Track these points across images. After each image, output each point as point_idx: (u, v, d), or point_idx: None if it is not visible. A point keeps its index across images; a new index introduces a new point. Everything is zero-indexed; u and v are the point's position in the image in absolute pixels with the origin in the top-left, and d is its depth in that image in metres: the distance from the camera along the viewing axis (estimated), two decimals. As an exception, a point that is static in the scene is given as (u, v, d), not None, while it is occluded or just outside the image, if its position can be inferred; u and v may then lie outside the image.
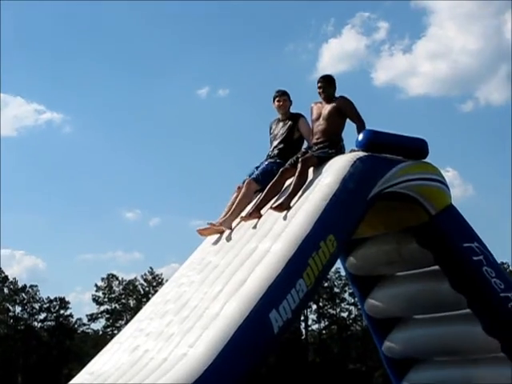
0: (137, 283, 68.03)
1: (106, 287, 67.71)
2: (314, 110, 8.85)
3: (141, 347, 7.60)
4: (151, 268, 68.53)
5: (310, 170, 8.51)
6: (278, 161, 8.89)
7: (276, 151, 9.04)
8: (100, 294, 67.52)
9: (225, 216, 8.81)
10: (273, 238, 7.94)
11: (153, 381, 6.86)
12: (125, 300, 67.96)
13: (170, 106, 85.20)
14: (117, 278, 68.08)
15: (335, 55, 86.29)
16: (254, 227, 8.34)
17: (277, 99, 9.17)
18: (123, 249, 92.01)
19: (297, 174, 8.36)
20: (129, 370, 7.30)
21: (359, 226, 8.27)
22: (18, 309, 66.09)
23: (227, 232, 8.70)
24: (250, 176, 8.97)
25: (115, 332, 67.40)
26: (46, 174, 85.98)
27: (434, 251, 8.83)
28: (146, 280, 67.94)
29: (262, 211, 8.43)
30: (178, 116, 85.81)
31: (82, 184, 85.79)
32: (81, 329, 69.12)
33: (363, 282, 9.75)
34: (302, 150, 8.81)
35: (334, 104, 8.67)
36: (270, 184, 8.56)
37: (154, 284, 67.90)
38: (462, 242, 8.74)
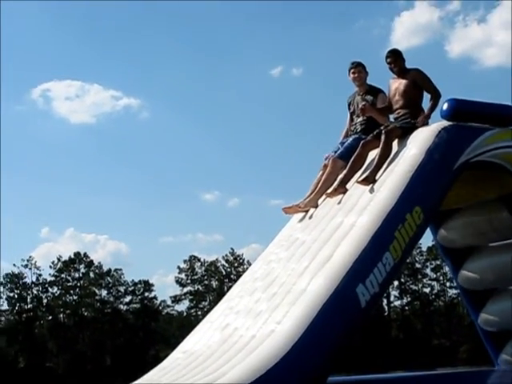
0: (218, 264, 68.72)
1: (188, 269, 68.56)
2: (391, 86, 8.74)
3: (230, 325, 7.63)
4: (232, 249, 69.19)
5: (395, 142, 8.38)
6: (362, 136, 8.75)
7: (359, 126, 8.93)
8: (183, 275, 68.45)
9: (310, 194, 8.75)
10: (358, 211, 7.86)
11: (242, 358, 6.88)
12: (207, 281, 68.71)
13: (244, 86, 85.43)
14: (199, 260, 68.91)
15: (408, 29, 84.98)
16: (340, 202, 8.27)
17: (352, 71, 9.05)
18: (203, 231, 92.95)
19: (381, 146, 8.25)
20: (219, 348, 7.35)
21: (447, 196, 8.10)
22: (104, 292, 67.64)
23: (313, 209, 8.64)
24: (335, 152, 8.86)
25: (199, 313, 68.29)
26: (126, 158, 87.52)
27: (525, 219, 8.64)
28: (227, 261, 68.56)
29: (347, 186, 8.34)
30: (254, 96, 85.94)
31: (161, 168, 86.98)
32: (165, 310, 70.36)
33: (455, 254, 9.61)
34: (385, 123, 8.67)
35: (408, 78, 8.54)
36: (353, 157, 8.45)
37: (236, 265, 68.51)
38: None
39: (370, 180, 8.10)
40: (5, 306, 65.88)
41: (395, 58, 8.64)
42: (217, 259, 68.97)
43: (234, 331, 7.50)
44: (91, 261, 67.48)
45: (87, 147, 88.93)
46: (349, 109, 9.19)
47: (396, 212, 7.58)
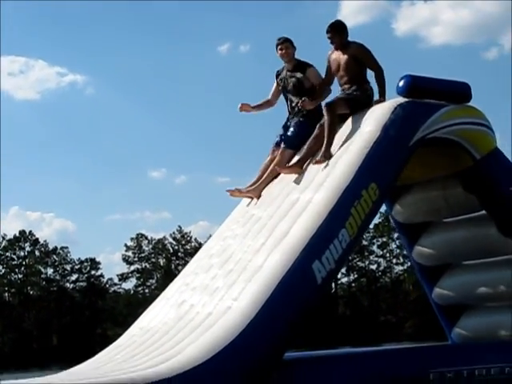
0: (166, 242, 68.54)
1: (135, 247, 68.28)
2: (332, 61, 8.60)
3: (187, 302, 7.58)
4: (179, 226, 69.02)
5: (349, 120, 8.34)
6: (301, 120, 8.67)
7: (296, 108, 8.76)
8: (130, 253, 68.13)
9: (257, 181, 8.68)
10: (314, 188, 7.86)
11: (197, 336, 6.86)
12: (154, 259, 68.55)
13: (191, 63, 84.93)
14: (146, 238, 68.63)
15: (355, 6, 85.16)
16: (296, 179, 8.23)
17: (279, 47, 8.85)
18: (151, 208, 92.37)
19: (326, 120, 8.21)
20: (175, 325, 7.32)
21: (402, 172, 8.13)
22: (50, 271, 67.04)
23: (270, 184, 8.60)
24: (281, 138, 8.77)
25: (146, 291, 68.16)
26: (71, 136, 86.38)
27: (480, 196, 8.69)
28: (174, 239, 68.42)
29: (304, 166, 8.33)
30: (201, 73, 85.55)
31: (107, 145, 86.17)
32: (112, 288, 69.99)
33: (410, 229, 9.65)
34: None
35: (349, 52, 8.43)
36: (311, 139, 8.41)
37: (183, 242, 68.45)
38: (508, 186, 8.60)
39: (326, 157, 8.08)
40: None
41: (334, 34, 8.49)
42: (164, 237, 68.87)
43: (190, 308, 7.46)
44: (37, 239, 66.80)
45: (32, 124, 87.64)
46: (277, 83, 9.02)
47: (352, 188, 7.58)
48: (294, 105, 8.79)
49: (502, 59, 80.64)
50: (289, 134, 8.69)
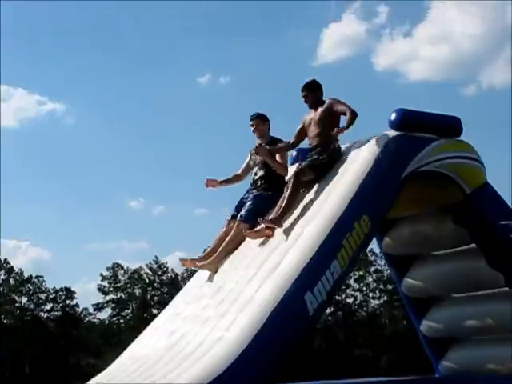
0: (142, 272, 68.06)
1: (111, 277, 67.75)
2: (306, 121, 8.53)
3: (177, 331, 7.56)
4: (156, 257, 68.63)
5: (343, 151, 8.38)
6: (263, 194, 8.49)
7: (258, 181, 8.62)
8: (105, 283, 67.55)
9: (210, 252, 8.45)
10: (306, 222, 7.85)
11: (189, 365, 6.82)
12: (130, 289, 67.98)
13: (171, 93, 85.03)
14: (122, 268, 68.10)
15: (335, 40, 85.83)
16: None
17: (250, 123, 8.77)
18: (128, 238, 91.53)
19: (289, 187, 8.05)
20: (166, 354, 7.30)
21: (393, 205, 8.16)
22: (25, 299, 66.17)
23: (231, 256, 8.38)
24: (236, 209, 8.55)
25: (121, 321, 67.66)
26: (49, 164, 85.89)
27: (470, 229, 8.77)
28: (151, 269, 67.98)
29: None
30: (181, 104, 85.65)
31: (85, 174, 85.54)
32: (87, 318, 69.29)
33: (399, 261, 9.72)
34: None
35: (322, 107, 8.37)
36: (288, 193, 8.09)
37: (159, 273, 68.04)
38: (498, 220, 8.66)
39: (277, 224, 7.88)
40: None
41: (308, 92, 8.45)
42: (140, 267, 68.37)
43: (181, 337, 7.44)
44: (11, 267, 66.10)
45: (9, 151, 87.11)
46: (250, 159, 8.92)
47: (344, 220, 7.61)
48: (256, 178, 8.63)
49: (480, 95, 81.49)
50: (246, 206, 8.44)
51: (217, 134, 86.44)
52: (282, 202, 8.01)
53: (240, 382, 6.57)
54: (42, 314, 66.65)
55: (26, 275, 66.23)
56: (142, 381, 6.90)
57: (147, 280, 67.81)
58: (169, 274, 68.18)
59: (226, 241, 8.36)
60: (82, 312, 68.17)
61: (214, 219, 77.05)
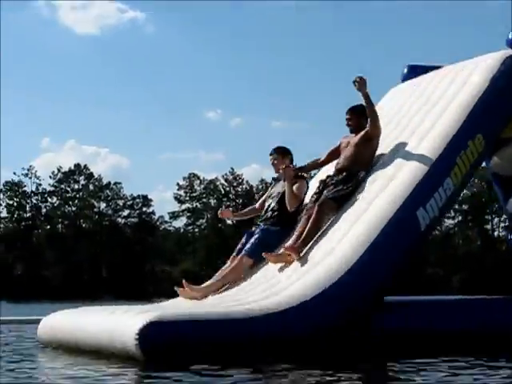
0: (218, 183, 68.87)
1: (187, 186, 68.73)
2: (343, 143, 8.21)
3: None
4: (232, 168, 69.25)
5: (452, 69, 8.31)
6: (270, 228, 8.06)
7: (269, 212, 8.20)
8: (182, 192, 68.67)
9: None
10: (419, 135, 7.89)
11: (304, 272, 7.06)
12: (206, 199, 68.97)
13: (258, 5, 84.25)
14: (198, 178, 69.02)
15: None
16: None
17: (270, 157, 8.42)
18: (205, 149, 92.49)
19: (312, 218, 7.60)
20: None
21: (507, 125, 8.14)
22: (103, 205, 67.97)
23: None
24: (243, 245, 8.07)
25: (196, 230, 68.86)
26: (130, 73, 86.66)
27: None
28: (226, 180, 68.71)
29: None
30: (266, 16, 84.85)
31: (164, 84, 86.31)
32: (163, 226, 70.72)
33: (507, 182, 9.64)
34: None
35: (362, 133, 8.01)
36: (311, 225, 7.62)
37: (235, 184, 68.75)
38: None
39: (299, 251, 7.46)
40: (4, 214, 66.39)
41: (352, 116, 8.11)
42: (216, 178, 69.19)
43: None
44: (91, 173, 67.63)
45: (91, 59, 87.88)
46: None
47: (458, 138, 7.64)
48: (268, 209, 8.23)
49: None
50: (252, 240, 8.00)
51: (300, 50, 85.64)
52: (303, 228, 7.62)
53: (352, 294, 6.74)
54: (119, 219, 68.34)
55: (104, 181, 67.78)
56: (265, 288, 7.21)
57: (222, 191, 68.62)
58: (244, 186, 68.91)
59: (225, 272, 7.99)
60: (157, 220, 69.64)
61: (290, 132, 77.28)
